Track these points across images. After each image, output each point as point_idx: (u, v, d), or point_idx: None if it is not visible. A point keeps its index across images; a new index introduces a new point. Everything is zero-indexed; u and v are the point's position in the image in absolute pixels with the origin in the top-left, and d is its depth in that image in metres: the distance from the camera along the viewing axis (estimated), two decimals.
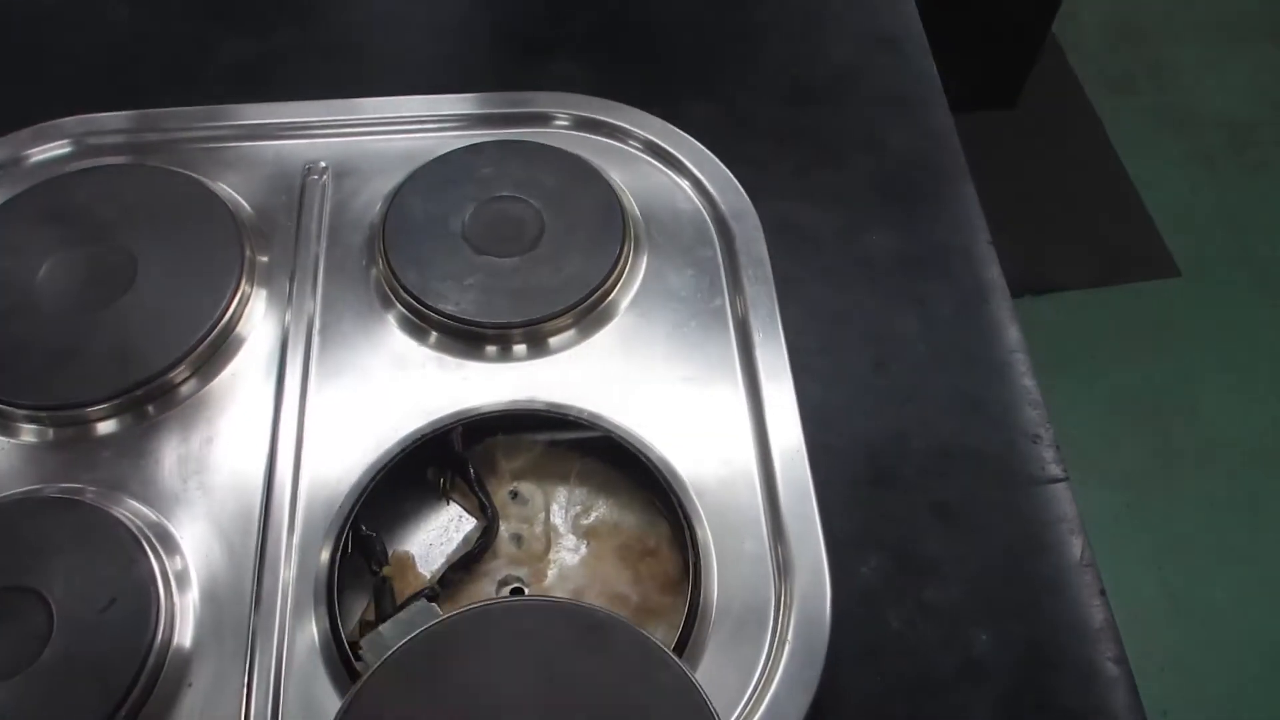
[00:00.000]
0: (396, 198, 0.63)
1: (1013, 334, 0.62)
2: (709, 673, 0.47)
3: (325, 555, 0.51)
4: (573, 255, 0.61)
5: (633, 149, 0.68)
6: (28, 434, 0.55)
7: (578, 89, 0.70)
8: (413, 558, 0.53)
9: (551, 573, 0.53)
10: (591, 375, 0.57)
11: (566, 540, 0.54)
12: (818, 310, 0.62)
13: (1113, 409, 1.52)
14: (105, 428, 0.55)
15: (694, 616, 0.49)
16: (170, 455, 0.54)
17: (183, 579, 0.50)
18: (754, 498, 0.53)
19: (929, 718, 0.49)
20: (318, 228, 0.63)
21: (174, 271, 0.60)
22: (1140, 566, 1.38)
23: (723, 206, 0.64)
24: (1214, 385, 1.55)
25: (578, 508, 0.55)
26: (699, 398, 0.57)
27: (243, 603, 0.50)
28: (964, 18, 1.50)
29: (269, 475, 0.53)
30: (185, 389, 0.57)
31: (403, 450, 0.54)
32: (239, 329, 0.59)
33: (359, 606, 0.51)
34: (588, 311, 0.60)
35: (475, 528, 0.54)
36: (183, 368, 0.56)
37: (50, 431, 0.55)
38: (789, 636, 0.48)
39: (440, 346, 0.59)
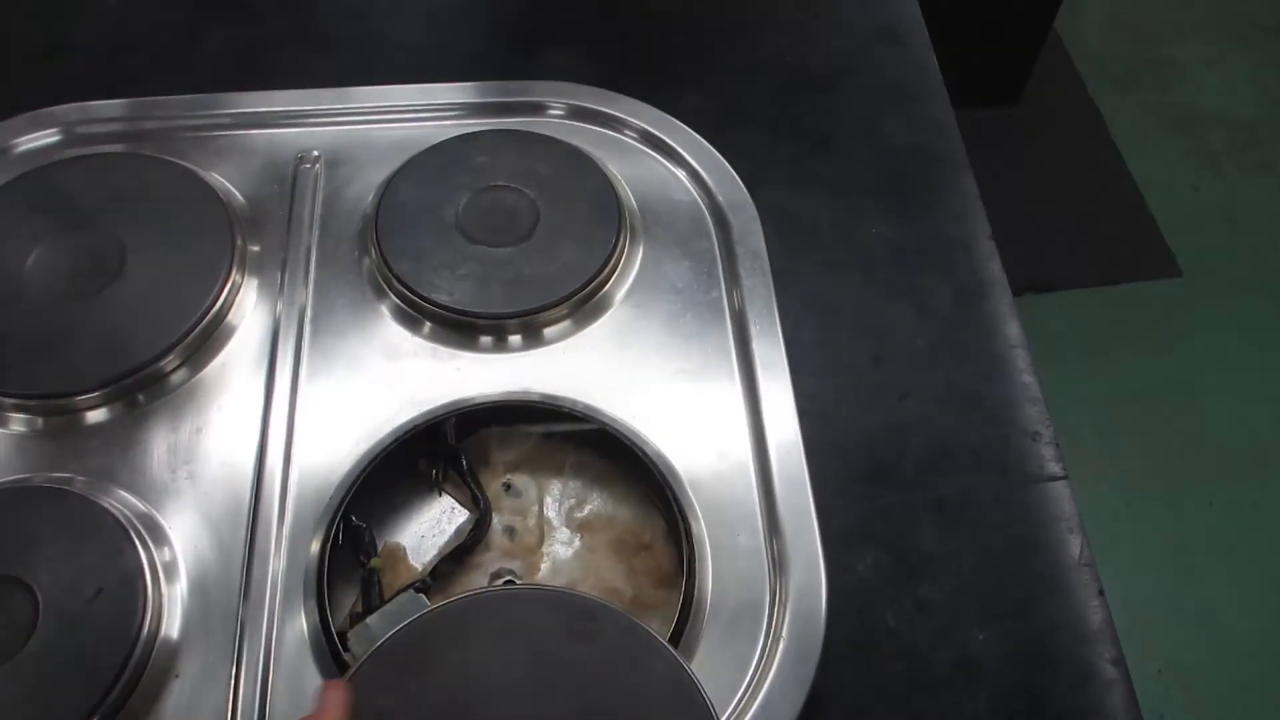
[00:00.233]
0: (390, 187, 0.63)
1: (1013, 329, 0.61)
2: (703, 668, 0.47)
3: (315, 546, 0.50)
4: (568, 246, 0.60)
5: (629, 139, 0.68)
6: (16, 423, 0.55)
7: (574, 78, 0.70)
8: (404, 549, 0.52)
9: (545, 566, 0.53)
10: (586, 367, 0.57)
11: (560, 533, 0.54)
12: (815, 303, 0.62)
13: (1112, 408, 1.52)
14: (94, 417, 0.55)
15: (688, 611, 0.48)
16: (160, 445, 0.54)
17: (171, 569, 0.50)
18: (750, 492, 0.53)
19: (923, 716, 0.49)
20: (310, 217, 0.63)
21: (164, 260, 0.60)
22: (1139, 566, 1.38)
23: (720, 197, 0.64)
24: (1214, 385, 1.55)
25: (572, 500, 0.55)
26: (695, 390, 0.56)
27: (231, 594, 0.49)
28: (966, 13, 1.49)
29: (259, 465, 0.53)
30: (175, 378, 0.56)
31: (395, 441, 0.53)
32: (230, 318, 0.58)
33: (349, 598, 0.51)
34: (583, 302, 0.59)
35: (468, 520, 0.53)
36: (173, 357, 0.56)
37: (39, 420, 0.55)
38: (784, 632, 0.48)
39: (433, 337, 0.58)
